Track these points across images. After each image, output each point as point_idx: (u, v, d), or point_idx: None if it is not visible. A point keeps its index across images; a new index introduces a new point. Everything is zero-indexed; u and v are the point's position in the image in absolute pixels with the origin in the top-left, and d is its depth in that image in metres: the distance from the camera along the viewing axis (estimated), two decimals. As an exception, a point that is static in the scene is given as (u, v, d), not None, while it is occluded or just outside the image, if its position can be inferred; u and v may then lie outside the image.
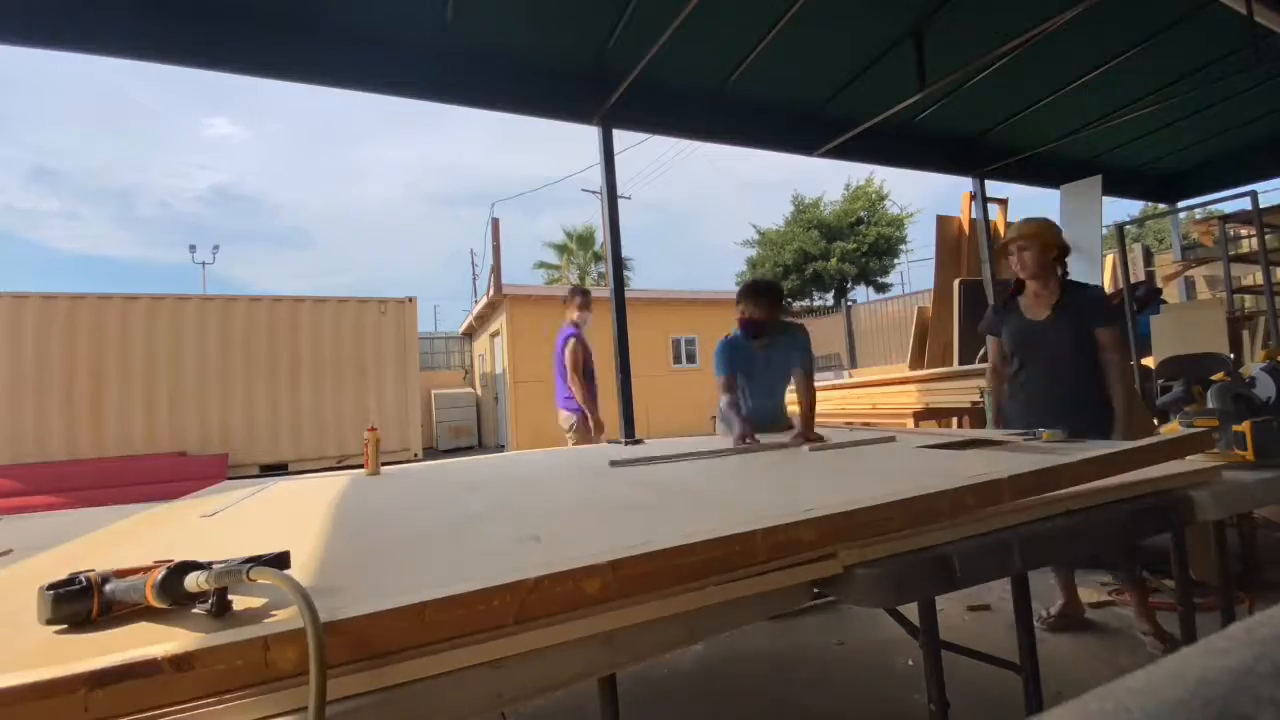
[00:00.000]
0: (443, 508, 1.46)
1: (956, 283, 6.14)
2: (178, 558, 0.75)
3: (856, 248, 21.71)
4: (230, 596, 0.72)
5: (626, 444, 2.88)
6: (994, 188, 6.21)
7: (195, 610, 0.71)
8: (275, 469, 7.47)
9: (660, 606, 0.75)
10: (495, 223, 11.94)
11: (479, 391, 13.87)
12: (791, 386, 2.71)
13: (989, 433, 2.26)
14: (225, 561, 0.74)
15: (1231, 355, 4.11)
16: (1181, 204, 7.34)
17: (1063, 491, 1.07)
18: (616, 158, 4.24)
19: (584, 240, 23.71)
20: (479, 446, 13.07)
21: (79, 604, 0.69)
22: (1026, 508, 1.03)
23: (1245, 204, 4.66)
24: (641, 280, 27.60)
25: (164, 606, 0.71)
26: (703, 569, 0.78)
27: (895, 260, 22.61)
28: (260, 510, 1.61)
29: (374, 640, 0.62)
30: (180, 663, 0.55)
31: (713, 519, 1.03)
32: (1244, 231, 5.62)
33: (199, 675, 0.56)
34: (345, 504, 1.59)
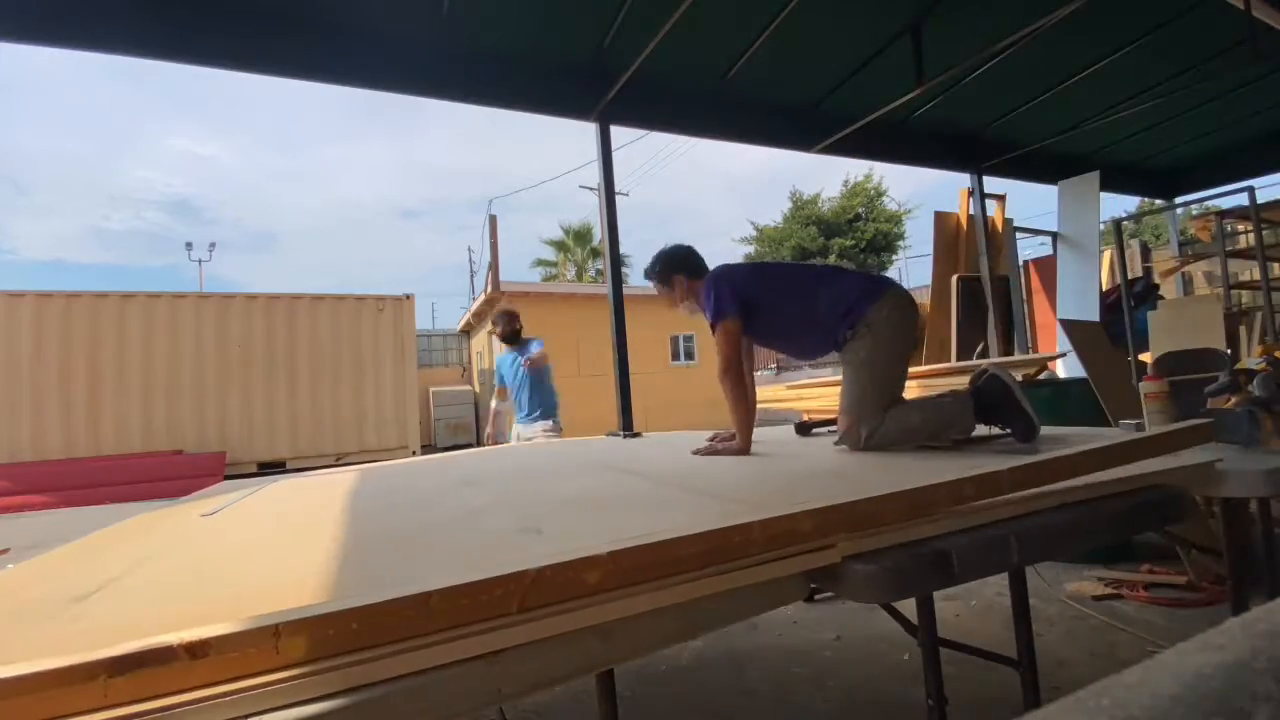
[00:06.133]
0: (444, 502, 1.46)
1: (955, 278, 6.14)
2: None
3: (855, 244, 21.71)
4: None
5: (625, 437, 2.89)
6: (992, 183, 6.20)
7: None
8: (273, 467, 7.45)
9: (658, 597, 0.75)
10: (493, 220, 11.93)
11: (477, 389, 13.85)
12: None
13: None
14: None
15: (1229, 350, 4.11)
16: (1179, 200, 7.36)
17: (1061, 485, 1.07)
18: (611, 154, 4.23)
19: (581, 236, 23.67)
20: (477, 444, 13.06)
21: None
22: (1024, 501, 1.03)
23: (1242, 199, 4.66)
24: (640, 277, 27.53)
25: None
26: (701, 559, 0.78)
27: (893, 256, 22.62)
28: (260, 508, 1.61)
29: (381, 629, 0.63)
30: (195, 650, 0.57)
31: (712, 511, 1.03)
32: (1241, 227, 5.61)
33: (213, 662, 0.58)
34: (344, 500, 1.59)
